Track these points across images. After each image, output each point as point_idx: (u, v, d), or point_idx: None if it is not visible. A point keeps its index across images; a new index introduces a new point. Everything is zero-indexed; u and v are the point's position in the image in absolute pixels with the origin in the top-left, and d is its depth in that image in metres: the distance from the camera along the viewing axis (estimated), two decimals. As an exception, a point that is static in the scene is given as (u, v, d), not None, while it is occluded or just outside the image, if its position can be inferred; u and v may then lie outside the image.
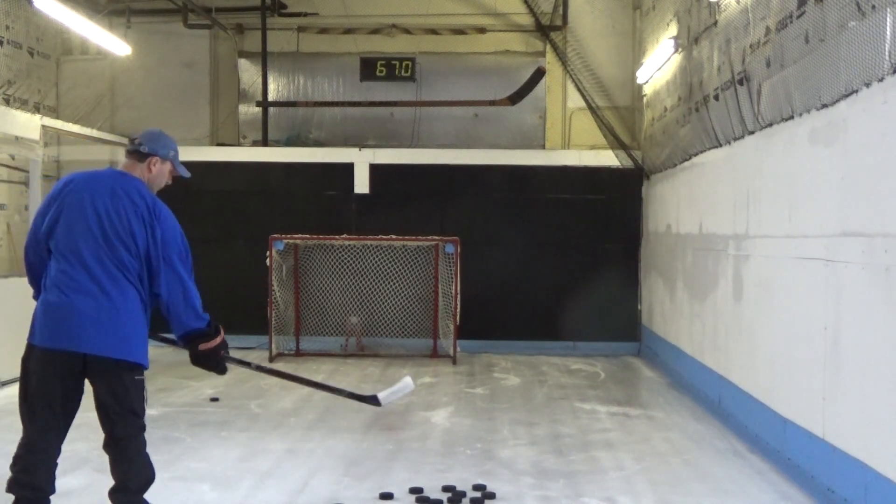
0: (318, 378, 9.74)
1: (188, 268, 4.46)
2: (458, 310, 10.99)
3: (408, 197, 12.16)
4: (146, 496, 4.50)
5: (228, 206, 12.23)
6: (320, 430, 7.24)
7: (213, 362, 4.56)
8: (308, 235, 11.50)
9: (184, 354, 4.63)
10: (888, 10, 4.49)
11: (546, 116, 12.74)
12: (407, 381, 5.53)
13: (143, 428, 4.38)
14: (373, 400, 5.47)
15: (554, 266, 12.05)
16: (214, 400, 8.40)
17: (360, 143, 12.41)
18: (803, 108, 5.76)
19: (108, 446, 4.36)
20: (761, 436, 6.56)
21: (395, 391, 5.49)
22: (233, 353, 4.73)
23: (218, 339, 4.52)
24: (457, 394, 9.04)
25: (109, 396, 4.24)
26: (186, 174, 4.69)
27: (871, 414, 4.73)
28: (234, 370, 10.53)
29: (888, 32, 4.50)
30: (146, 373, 4.45)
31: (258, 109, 12.61)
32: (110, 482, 4.85)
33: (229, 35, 13.15)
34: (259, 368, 5.48)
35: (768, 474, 6.07)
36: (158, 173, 4.54)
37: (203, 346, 4.49)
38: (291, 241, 11.37)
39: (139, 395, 4.32)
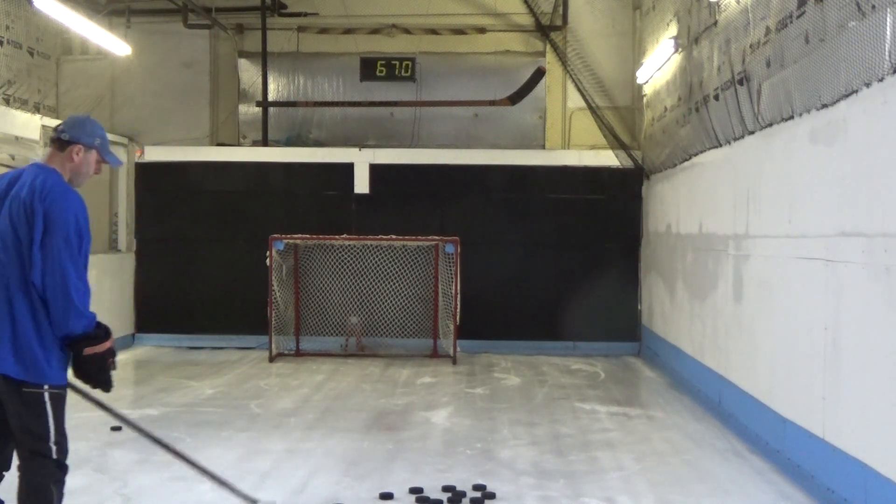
0: (319, 378, 9.78)
1: (77, 257, 3.83)
2: (458, 310, 10.99)
3: (408, 197, 12.16)
4: None
5: (228, 206, 12.23)
6: (320, 430, 7.24)
7: (99, 370, 3.93)
8: (308, 235, 11.50)
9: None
10: (888, 10, 4.49)
11: (546, 116, 12.74)
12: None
13: (41, 453, 3.83)
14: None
15: (554, 266, 12.04)
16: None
17: (360, 143, 12.41)
18: (803, 108, 5.76)
19: None
20: (761, 436, 6.56)
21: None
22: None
23: (107, 344, 3.94)
24: (457, 394, 9.04)
25: (3, 412, 3.86)
26: (117, 162, 4.26)
27: (871, 414, 4.72)
28: (235, 373, 10.45)
29: (888, 32, 4.50)
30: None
31: (258, 109, 12.61)
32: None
33: (229, 35, 13.15)
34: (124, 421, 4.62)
35: (768, 474, 6.07)
36: (82, 162, 4.07)
37: (88, 350, 3.86)
38: (291, 241, 11.37)
39: (34, 411, 3.80)
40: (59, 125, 4.15)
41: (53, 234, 3.77)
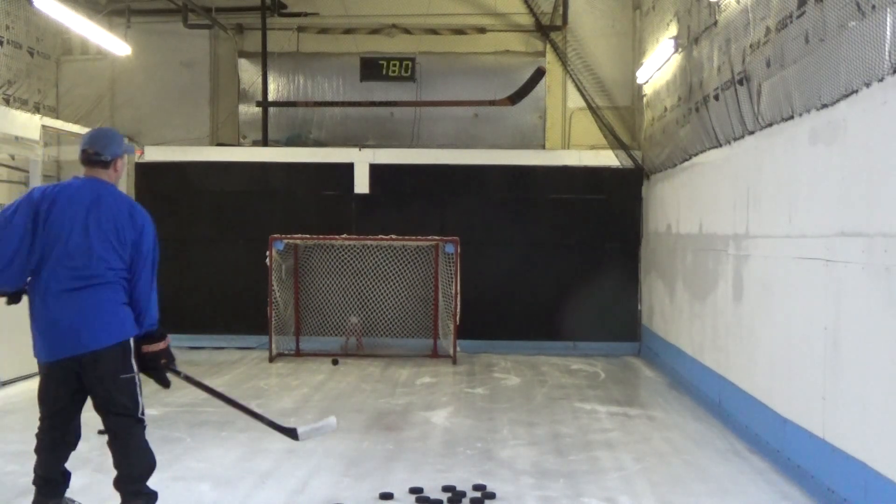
0: (319, 378, 9.78)
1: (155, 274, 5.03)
2: (458, 310, 10.99)
3: (408, 197, 12.15)
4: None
5: (228, 206, 12.23)
6: (320, 430, 7.23)
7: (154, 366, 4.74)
8: (308, 235, 11.49)
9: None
10: (888, 10, 4.49)
11: (546, 116, 12.75)
12: (330, 421, 5.40)
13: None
14: (292, 433, 5.27)
15: (554, 266, 12.04)
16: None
17: (360, 143, 12.40)
18: (803, 108, 5.76)
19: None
20: (761, 436, 6.56)
21: (316, 428, 5.36)
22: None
23: (161, 345, 4.73)
24: (457, 394, 9.04)
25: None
26: (132, 150, 5.10)
27: (871, 414, 4.73)
28: (238, 372, 10.42)
29: (888, 32, 4.50)
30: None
31: (258, 109, 12.61)
32: (111, 482, 4.87)
33: (229, 35, 13.16)
34: (188, 379, 5.17)
35: (768, 474, 6.07)
36: (123, 168, 4.78)
37: (147, 348, 4.71)
38: (291, 241, 11.37)
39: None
40: (90, 147, 4.59)
41: (146, 258, 4.86)
